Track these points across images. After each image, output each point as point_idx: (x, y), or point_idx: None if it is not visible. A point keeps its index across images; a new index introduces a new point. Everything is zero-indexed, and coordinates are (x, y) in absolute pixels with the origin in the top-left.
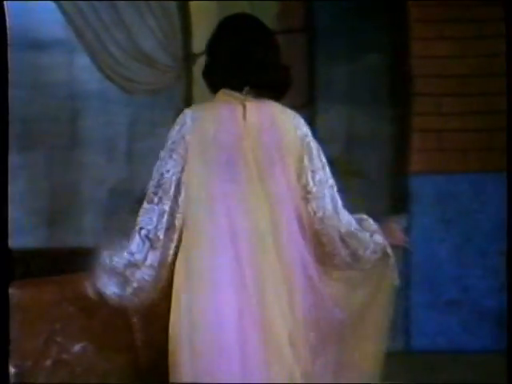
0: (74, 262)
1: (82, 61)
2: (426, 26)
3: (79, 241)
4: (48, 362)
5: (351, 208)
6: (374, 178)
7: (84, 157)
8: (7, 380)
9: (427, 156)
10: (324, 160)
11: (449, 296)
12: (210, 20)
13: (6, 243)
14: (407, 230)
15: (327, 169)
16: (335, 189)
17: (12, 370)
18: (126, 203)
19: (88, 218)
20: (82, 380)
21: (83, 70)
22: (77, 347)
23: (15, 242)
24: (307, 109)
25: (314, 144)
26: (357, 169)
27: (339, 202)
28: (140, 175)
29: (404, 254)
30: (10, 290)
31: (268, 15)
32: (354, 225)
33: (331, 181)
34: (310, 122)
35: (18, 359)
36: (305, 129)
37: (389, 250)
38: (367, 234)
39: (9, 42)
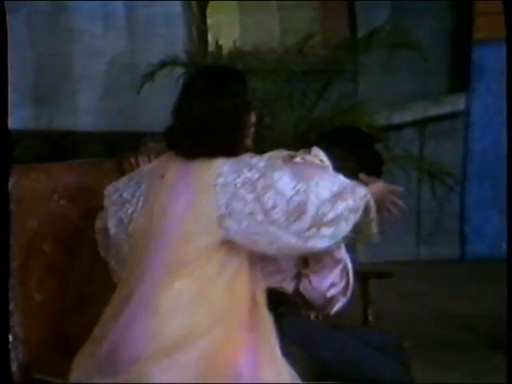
0: (67, 146)
1: None
2: None
3: (72, 123)
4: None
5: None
6: (428, 49)
7: (75, 24)
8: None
9: (495, 21)
10: None
11: None
12: None
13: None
14: (465, 113)
15: None
16: None
17: None
18: (127, 80)
19: (82, 96)
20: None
21: None
22: None
23: None
24: None
25: None
26: (406, 39)
27: None
28: (143, 47)
29: (462, 141)
30: None
31: None
32: None
33: None
34: None
35: None
36: None
37: None
38: None
39: None
